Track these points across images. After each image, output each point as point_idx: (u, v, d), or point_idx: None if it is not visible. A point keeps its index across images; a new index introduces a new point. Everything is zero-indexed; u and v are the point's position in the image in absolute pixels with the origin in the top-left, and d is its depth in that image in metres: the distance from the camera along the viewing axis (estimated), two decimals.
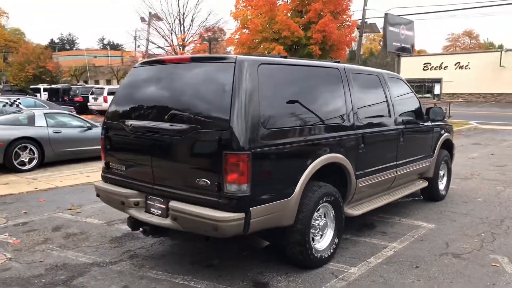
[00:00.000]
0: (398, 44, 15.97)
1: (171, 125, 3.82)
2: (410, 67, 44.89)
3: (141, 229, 4.29)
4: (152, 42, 31.27)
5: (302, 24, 21.77)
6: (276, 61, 4.08)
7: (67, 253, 4.69)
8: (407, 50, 17.44)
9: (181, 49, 27.78)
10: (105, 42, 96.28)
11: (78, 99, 26.96)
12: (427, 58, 46.41)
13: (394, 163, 5.47)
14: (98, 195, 4.57)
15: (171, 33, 28.09)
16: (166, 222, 3.84)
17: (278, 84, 3.94)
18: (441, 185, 6.95)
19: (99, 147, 10.35)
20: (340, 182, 4.57)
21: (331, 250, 4.40)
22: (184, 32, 28.12)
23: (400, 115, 5.61)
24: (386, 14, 15.13)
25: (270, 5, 21.57)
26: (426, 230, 5.50)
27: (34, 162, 9.17)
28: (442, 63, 44.51)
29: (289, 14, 22.04)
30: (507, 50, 42.17)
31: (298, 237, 4.01)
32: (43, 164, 9.38)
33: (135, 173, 4.20)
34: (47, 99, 25.55)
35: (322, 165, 4.13)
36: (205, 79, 3.80)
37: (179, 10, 28.55)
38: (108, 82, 64.14)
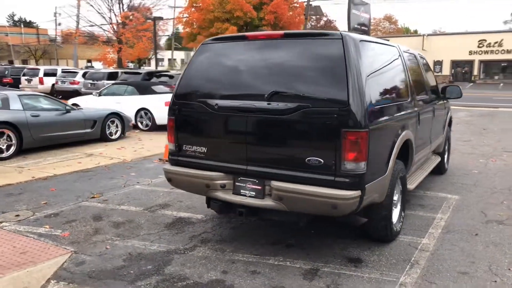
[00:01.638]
0: (359, 26, 16.60)
1: (268, 104, 3.70)
2: None
3: (229, 211, 4.15)
4: (84, 20, 29.26)
5: (254, 5, 21.66)
6: (370, 38, 4.10)
7: (131, 242, 4.40)
8: (365, 32, 18.18)
9: (122, 27, 26.35)
10: (16, 18, 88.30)
11: (7, 80, 24.59)
12: None
13: (429, 138, 5.78)
14: (169, 180, 4.32)
15: (110, 11, 26.51)
16: (268, 203, 3.76)
17: (374, 61, 3.98)
18: (445, 159, 7.45)
19: (80, 131, 9.85)
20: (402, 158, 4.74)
21: (401, 224, 4.59)
22: (124, 9, 26.68)
23: (431, 93, 5.92)
24: None
25: None
26: (455, 201, 5.90)
27: (12, 149, 8.31)
28: None
29: None
30: (429, 35, 45.46)
31: (385, 212, 4.13)
32: (21, 151, 8.54)
33: (221, 155, 4.03)
34: None
35: (403, 142, 4.26)
36: (308, 56, 3.72)
37: None
38: (25, 62, 59.18)
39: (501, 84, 39.35)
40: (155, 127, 11.94)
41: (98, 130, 10.08)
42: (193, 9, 22.82)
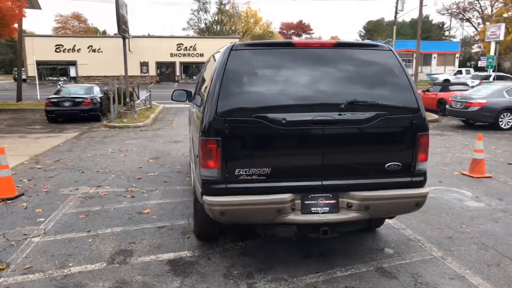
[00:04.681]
0: (124, 27, 15.60)
1: (339, 115, 3.60)
2: (43, 49, 42.22)
3: (306, 234, 3.74)
4: None
5: None
6: None
7: None
8: (128, 33, 17.23)
9: None
10: None
11: None
12: (59, 40, 45.06)
13: None
14: (222, 213, 3.48)
15: None
16: (352, 215, 3.66)
17: None
18: None
19: None
20: None
21: None
22: None
23: None
24: None
25: None
26: None
27: None
28: (75, 45, 44.28)
29: None
30: (133, 37, 46.62)
31: None
32: None
33: (290, 173, 3.59)
34: None
35: None
36: (369, 66, 3.79)
37: None
38: None
39: None
40: None
41: None
42: None
